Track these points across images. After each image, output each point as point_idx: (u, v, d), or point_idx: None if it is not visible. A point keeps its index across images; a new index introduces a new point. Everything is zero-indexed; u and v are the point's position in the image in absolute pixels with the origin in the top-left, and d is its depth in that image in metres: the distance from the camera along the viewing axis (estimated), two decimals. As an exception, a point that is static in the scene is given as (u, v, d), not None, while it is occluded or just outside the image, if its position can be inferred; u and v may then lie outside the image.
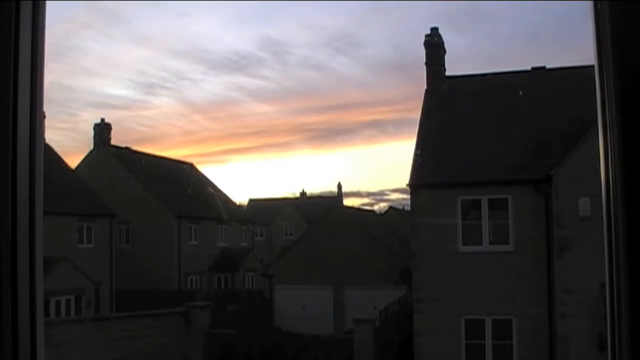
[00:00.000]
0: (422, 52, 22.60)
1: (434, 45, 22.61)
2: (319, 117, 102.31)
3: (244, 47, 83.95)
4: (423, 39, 22.65)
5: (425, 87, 22.51)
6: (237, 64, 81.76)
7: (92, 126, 39.16)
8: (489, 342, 18.17)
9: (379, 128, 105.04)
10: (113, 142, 39.59)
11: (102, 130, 38.81)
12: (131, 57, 73.71)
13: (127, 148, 41.27)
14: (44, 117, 1.70)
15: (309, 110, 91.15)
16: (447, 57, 23.19)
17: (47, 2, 1.48)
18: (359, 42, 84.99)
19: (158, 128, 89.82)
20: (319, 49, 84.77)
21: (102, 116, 78.75)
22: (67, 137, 76.29)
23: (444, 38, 22.96)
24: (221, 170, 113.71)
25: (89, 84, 78.95)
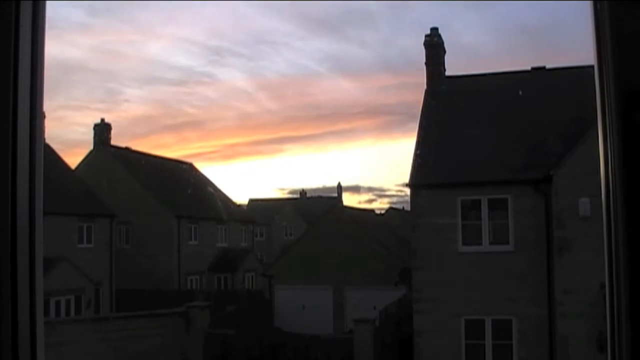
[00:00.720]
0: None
1: (434, 45, 22.61)
2: (403, 97, 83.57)
3: (357, -6, 62.50)
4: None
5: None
6: (337, 20, 61.76)
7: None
8: (488, 342, 18.16)
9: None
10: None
11: (102, 130, 38.81)
12: (207, 10, 55.16)
13: (127, 148, 41.27)
14: (44, 117, 1.70)
15: (395, 88, 73.70)
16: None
17: (47, 2, 1.48)
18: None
19: (210, 110, 72.71)
20: (448, 3, 67.54)
21: (149, 94, 60.02)
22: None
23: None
24: (269, 163, 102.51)
25: (141, 49, 58.09)
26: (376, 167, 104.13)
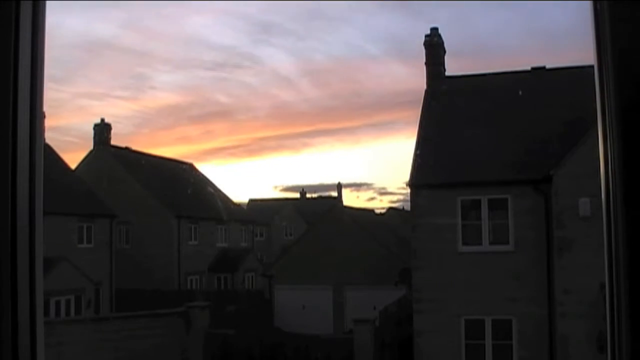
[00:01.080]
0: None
1: (434, 45, 22.62)
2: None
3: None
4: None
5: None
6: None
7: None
8: (488, 342, 18.16)
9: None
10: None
11: (102, 130, 38.81)
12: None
13: (127, 148, 41.29)
14: (44, 117, 1.70)
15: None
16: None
17: (47, 2, 1.48)
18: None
19: (244, 99, 63.73)
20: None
21: (180, 79, 52.53)
22: (125, 112, 51.59)
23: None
24: (282, 162, 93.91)
25: (177, 26, 49.90)
26: (399, 165, 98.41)
